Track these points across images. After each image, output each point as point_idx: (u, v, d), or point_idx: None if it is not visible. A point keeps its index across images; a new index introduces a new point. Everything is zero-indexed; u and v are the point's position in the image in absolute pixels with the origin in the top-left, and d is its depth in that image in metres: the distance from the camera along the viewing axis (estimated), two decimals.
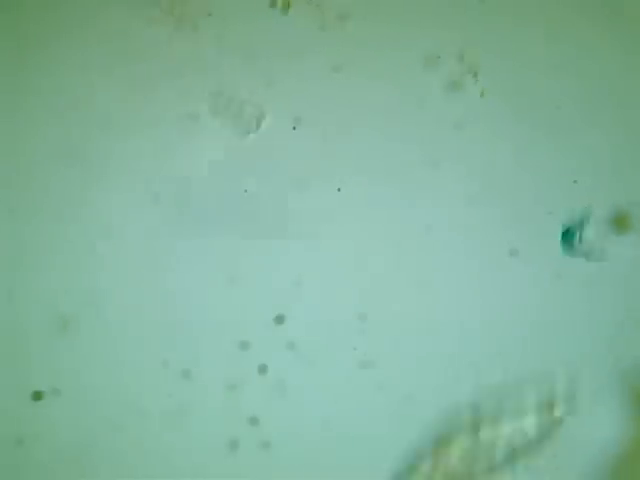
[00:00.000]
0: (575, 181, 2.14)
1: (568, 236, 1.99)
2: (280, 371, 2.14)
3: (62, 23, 2.17)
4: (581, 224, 1.99)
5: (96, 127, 2.16)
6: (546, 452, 2.11)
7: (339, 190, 2.17)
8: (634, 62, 2.17)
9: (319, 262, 2.16)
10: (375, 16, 2.17)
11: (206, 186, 2.16)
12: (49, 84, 2.16)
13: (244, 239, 2.16)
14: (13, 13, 2.16)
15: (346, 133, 2.17)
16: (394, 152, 2.17)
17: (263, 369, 2.14)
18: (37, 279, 2.15)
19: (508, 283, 2.14)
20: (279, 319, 2.15)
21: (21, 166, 2.16)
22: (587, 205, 2.04)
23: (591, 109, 2.16)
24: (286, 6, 2.16)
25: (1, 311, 2.14)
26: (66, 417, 2.12)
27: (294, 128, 2.17)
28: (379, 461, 2.12)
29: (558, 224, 2.12)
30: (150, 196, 2.16)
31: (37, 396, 2.12)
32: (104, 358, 2.13)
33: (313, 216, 2.16)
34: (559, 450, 2.11)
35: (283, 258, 2.16)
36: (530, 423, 2.09)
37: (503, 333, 2.13)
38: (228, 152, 2.16)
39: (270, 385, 2.14)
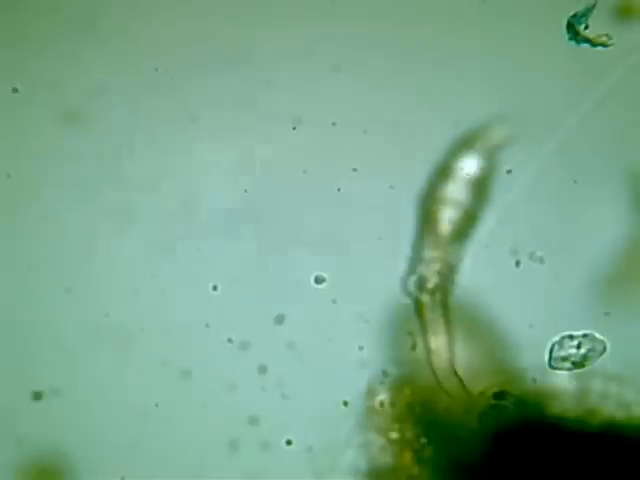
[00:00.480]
0: None
1: (574, 22, 1.99)
2: (280, 371, 2.14)
3: (62, 23, 2.17)
4: (587, 11, 1.99)
5: (96, 127, 2.17)
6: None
7: (339, 190, 2.17)
8: None
9: (319, 262, 2.16)
10: (374, 15, 2.18)
11: (206, 186, 2.16)
12: (49, 84, 2.16)
13: (244, 239, 2.16)
14: (13, 13, 2.17)
15: (346, 133, 2.17)
16: (394, 152, 2.17)
17: (263, 369, 2.14)
18: (38, 279, 2.15)
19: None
20: (279, 319, 2.15)
21: (21, 166, 2.16)
22: None
23: None
24: None
25: (1, 311, 2.14)
26: (66, 417, 2.12)
27: (294, 128, 2.17)
28: None
29: None
30: (150, 196, 2.16)
31: (37, 396, 2.12)
32: (104, 358, 2.13)
33: (313, 216, 2.16)
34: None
35: (283, 258, 2.16)
36: None
37: None
38: (228, 152, 2.16)
39: (270, 385, 2.14)
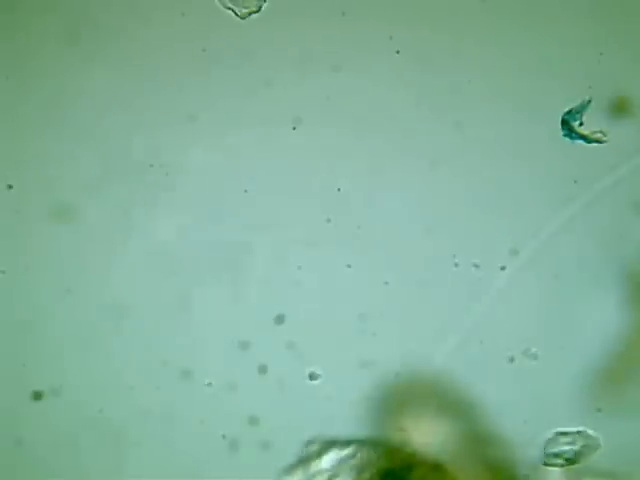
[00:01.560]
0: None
1: (569, 119, 2.00)
2: (280, 371, 2.14)
3: (62, 23, 2.17)
4: (582, 107, 2.00)
5: (96, 127, 2.17)
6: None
7: (339, 190, 2.17)
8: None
9: (319, 262, 2.16)
10: (374, 15, 2.18)
11: (206, 186, 2.16)
12: (49, 84, 2.16)
13: (244, 239, 2.16)
14: (13, 13, 2.17)
15: (346, 133, 2.17)
16: (394, 152, 2.17)
17: (263, 369, 2.14)
18: (37, 277, 2.15)
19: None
20: (279, 319, 2.15)
21: (21, 166, 2.16)
22: (588, 87, 2.05)
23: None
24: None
25: (1, 311, 2.14)
26: (66, 417, 2.12)
27: (294, 128, 2.17)
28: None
29: None
30: (150, 196, 2.16)
31: (37, 396, 2.12)
32: (104, 358, 2.13)
33: (313, 216, 2.16)
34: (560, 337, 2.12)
35: (283, 258, 2.16)
36: None
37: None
38: (228, 152, 2.16)
39: (270, 385, 2.14)
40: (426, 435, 2.08)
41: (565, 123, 2.02)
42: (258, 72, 2.17)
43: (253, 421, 2.13)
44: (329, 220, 2.16)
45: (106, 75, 2.16)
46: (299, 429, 2.12)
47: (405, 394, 2.11)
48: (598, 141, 2.05)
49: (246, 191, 2.17)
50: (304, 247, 2.16)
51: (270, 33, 2.17)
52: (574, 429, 2.10)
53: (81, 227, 2.15)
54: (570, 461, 2.09)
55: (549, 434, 2.10)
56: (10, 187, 2.15)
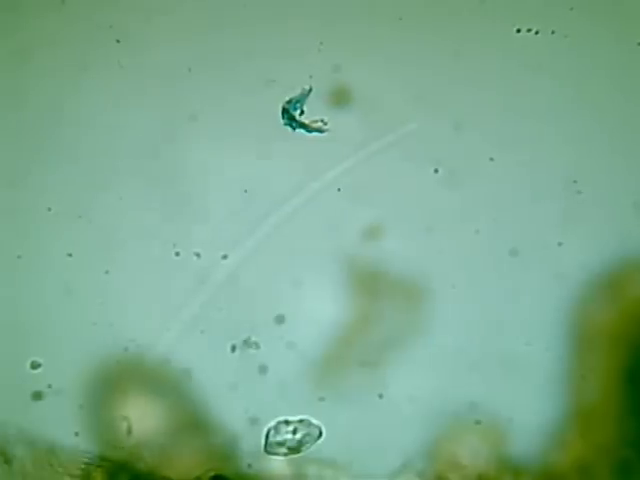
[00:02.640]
0: None
1: (289, 107, 2.01)
2: (280, 371, 2.14)
3: (62, 23, 2.18)
4: (302, 96, 2.01)
5: (96, 127, 2.17)
6: None
7: (339, 190, 2.17)
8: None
9: (319, 262, 2.16)
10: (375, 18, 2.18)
11: (206, 186, 2.16)
12: (49, 84, 2.17)
13: (244, 239, 2.16)
14: (13, 13, 2.17)
15: (346, 133, 2.17)
16: (393, 152, 2.17)
17: (263, 369, 2.14)
18: (38, 278, 2.15)
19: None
20: (279, 319, 2.15)
21: (21, 166, 2.17)
22: (308, 76, 2.05)
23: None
24: None
25: (1, 310, 2.14)
26: (66, 417, 2.12)
27: (294, 128, 2.17)
28: (381, 466, 2.12)
29: None
30: (149, 196, 2.16)
31: (37, 396, 2.12)
32: (104, 358, 2.13)
33: (313, 216, 2.16)
34: None
35: (283, 258, 2.16)
36: None
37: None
38: (228, 152, 2.16)
39: (270, 385, 2.14)
40: (145, 421, 2.08)
41: (285, 112, 2.03)
42: (258, 72, 2.17)
43: (253, 421, 2.13)
44: (329, 220, 2.16)
45: (106, 75, 2.17)
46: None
47: (125, 381, 2.10)
48: (319, 130, 2.05)
49: (246, 191, 2.17)
50: (305, 247, 2.16)
51: (270, 33, 2.17)
52: (297, 418, 2.10)
53: (81, 227, 2.15)
54: (293, 450, 2.09)
55: (272, 423, 2.10)
56: (10, 187, 2.16)
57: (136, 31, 2.18)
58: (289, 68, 2.16)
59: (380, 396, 2.12)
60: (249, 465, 2.11)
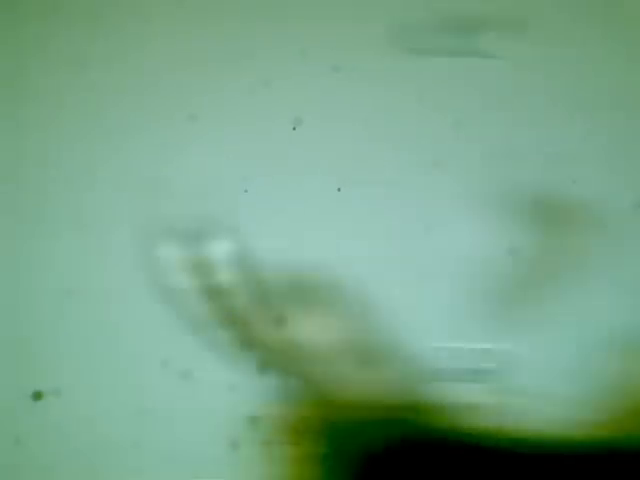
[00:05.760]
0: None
1: None
2: (280, 371, 2.14)
3: (62, 23, 2.17)
4: None
5: (96, 127, 2.17)
6: None
7: (339, 190, 2.17)
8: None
9: (319, 262, 2.16)
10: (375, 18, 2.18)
11: (205, 186, 2.16)
12: (49, 84, 2.17)
13: (244, 239, 2.16)
14: (13, 13, 2.17)
15: (346, 133, 2.17)
16: (393, 152, 2.17)
17: (263, 369, 2.14)
18: (38, 277, 2.15)
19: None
20: (278, 319, 2.15)
21: (22, 166, 2.16)
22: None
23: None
24: None
25: (1, 310, 2.14)
26: (66, 417, 2.12)
27: (294, 128, 2.17)
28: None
29: None
30: (149, 196, 2.16)
31: (37, 396, 2.12)
32: (104, 358, 2.13)
33: (313, 216, 2.17)
34: None
35: (283, 258, 2.16)
36: None
37: None
38: (228, 152, 2.17)
39: (270, 385, 2.14)
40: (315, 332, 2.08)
41: None
42: (258, 72, 2.17)
43: (253, 421, 2.13)
44: (329, 220, 2.16)
45: (106, 75, 2.17)
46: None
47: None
48: None
49: (246, 191, 2.17)
50: (305, 247, 2.16)
51: (270, 33, 2.17)
52: (485, 344, 2.10)
53: (80, 227, 2.15)
54: (482, 377, 2.08)
55: (458, 349, 2.09)
56: (10, 187, 2.15)
57: (136, 31, 2.18)
58: (289, 68, 2.17)
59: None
60: (433, 391, 2.07)
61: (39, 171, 2.16)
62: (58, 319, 2.14)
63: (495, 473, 2.02)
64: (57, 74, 2.17)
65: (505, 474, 2.02)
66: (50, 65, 2.17)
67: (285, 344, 2.07)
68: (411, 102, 2.18)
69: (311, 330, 2.08)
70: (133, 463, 2.12)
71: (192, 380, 2.13)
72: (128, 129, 2.17)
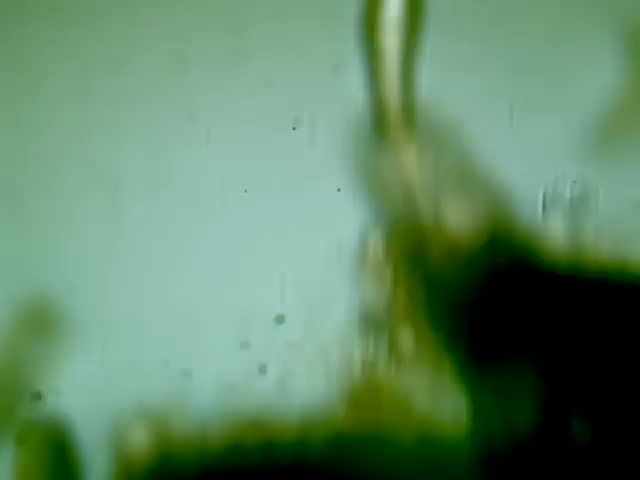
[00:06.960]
0: None
1: None
2: (280, 371, 2.14)
3: (62, 23, 2.18)
4: None
5: (96, 127, 2.17)
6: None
7: (339, 190, 2.17)
8: None
9: (319, 262, 2.16)
10: None
11: (205, 186, 2.17)
12: (49, 83, 2.17)
13: (244, 239, 2.16)
14: (14, 15, 2.17)
15: (346, 133, 2.17)
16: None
17: (263, 369, 2.14)
18: (38, 277, 2.15)
19: None
20: (279, 319, 2.15)
21: (21, 166, 2.17)
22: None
23: None
24: None
25: (1, 309, 2.14)
26: (66, 417, 2.12)
27: (294, 128, 2.17)
28: None
29: None
30: (148, 196, 2.16)
31: (37, 396, 2.12)
32: (104, 358, 2.14)
33: (313, 216, 2.17)
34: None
35: (283, 258, 2.16)
36: None
37: None
38: (228, 152, 2.17)
39: (270, 385, 2.14)
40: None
41: None
42: (258, 72, 2.17)
43: (253, 421, 2.13)
44: (329, 220, 2.17)
45: (106, 75, 2.17)
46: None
47: None
48: None
49: (246, 191, 2.17)
50: (305, 247, 2.16)
51: (270, 33, 2.17)
52: (572, 176, 2.07)
53: (80, 226, 2.16)
54: (569, 209, 2.04)
55: (547, 180, 2.07)
56: (10, 187, 2.16)
57: (136, 31, 2.18)
58: (289, 68, 2.17)
59: None
60: (524, 222, 2.03)
61: (39, 171, 2.17)
62: (58, 319, 2.14)
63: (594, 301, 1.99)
64: (57, 74, 2.17)
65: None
66: (50, 65, 2.17)
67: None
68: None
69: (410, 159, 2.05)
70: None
71: (192, 380, 2.14)
72: (128, 129, 2.17)
